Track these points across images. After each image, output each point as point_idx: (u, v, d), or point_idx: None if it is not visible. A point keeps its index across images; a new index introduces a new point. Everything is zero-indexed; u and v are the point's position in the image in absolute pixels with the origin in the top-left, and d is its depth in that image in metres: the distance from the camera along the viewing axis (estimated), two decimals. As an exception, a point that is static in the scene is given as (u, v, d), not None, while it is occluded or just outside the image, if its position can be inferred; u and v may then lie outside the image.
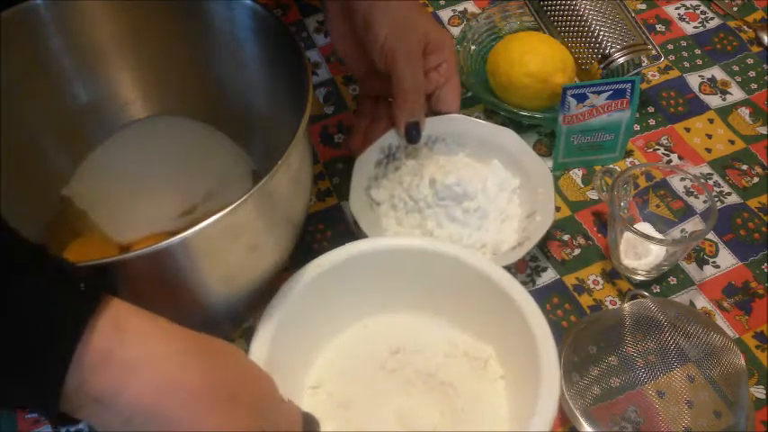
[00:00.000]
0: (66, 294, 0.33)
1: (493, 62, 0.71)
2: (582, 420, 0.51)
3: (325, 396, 0.52)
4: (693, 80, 0.76)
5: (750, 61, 0.78)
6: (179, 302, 0.47)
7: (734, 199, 0.66)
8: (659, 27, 0.81)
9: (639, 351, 0.54)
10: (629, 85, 0.63)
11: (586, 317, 0.58)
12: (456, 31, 0.81)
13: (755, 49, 0.79)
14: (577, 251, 0.63)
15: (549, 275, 0.61)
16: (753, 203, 0.66)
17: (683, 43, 0.80)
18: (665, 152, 0.70)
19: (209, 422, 0.35)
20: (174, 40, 0.59)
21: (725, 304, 0.59)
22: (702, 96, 0.75)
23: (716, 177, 0.68)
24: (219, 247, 0.44)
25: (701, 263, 0.62)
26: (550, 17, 0.73)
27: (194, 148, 0.62)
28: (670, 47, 0.79)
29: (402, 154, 0.64)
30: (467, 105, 0.74)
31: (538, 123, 0.70)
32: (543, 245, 0.62)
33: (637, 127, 0.71)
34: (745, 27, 0.81)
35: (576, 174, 0.68)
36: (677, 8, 0.83)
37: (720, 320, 0.59)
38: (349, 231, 0.64)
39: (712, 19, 0.82)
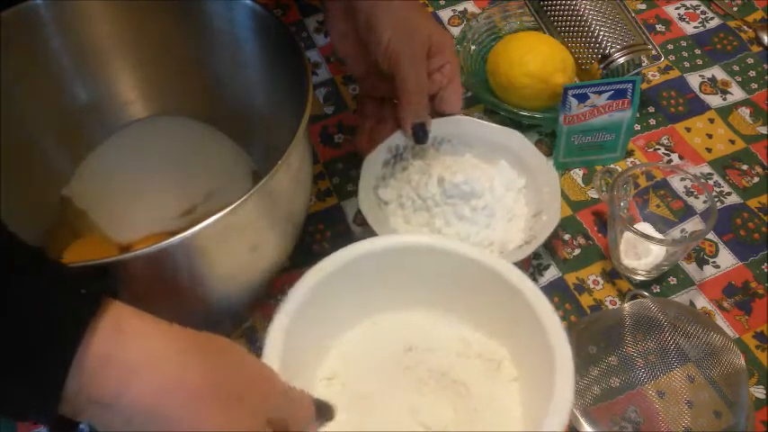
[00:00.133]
0: (67, 296, 0.33)
1: (493, 62, 0.71)
2: (582, 420, 0.51)
3: (339, 387, 0.52)
4: (694, 80, 0.76)
5: (750, 61, 0.78)
6: (179, 302, 0.47)
7: (734, 199, 0.66)
8: (659, 27, 0.81)
9: (639, 351, 0.54)
10: (630, 85, 0.63)
11: (586, 317, 0.58)
12: (456, 31, 0.81)
13: (755, 48, 0.79)
14: (578, 251, 0.63)
15: (551, 273, 0.61)
16: (753, 203, 0.66)
17: (684, 43, 0.80)
18: (666, 152, 0.70)
19: (210, 422, 0.35)
20: (173, 40, 0.59)
21: (725, 304, 0.59)
22: (703, 96, 0.75)
23: (716, 177, 0.68)
24: (219, 247, 0.44)
25: (701, 263, 0.62)
26: (550, 17, 0.73)
27: (194, 148, 0.62)
28: (670, 47, 0.79)
29: (409, 154, 0.65)
30: (467, 105, 0.74)
31: (538, 123, 0.70)
32: (548, 243, 0.62)
33: (637, 127, 0.71)
34: (745, 27, 0.81)
35: (577, 173, 0.68)
36: (677, 8, 0.83)
37: (720, 320, 0.59)
38: (349, 231, 0.64)
39: (712, 19, 0.82)
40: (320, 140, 0.70)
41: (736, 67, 0.77)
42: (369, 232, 0.61)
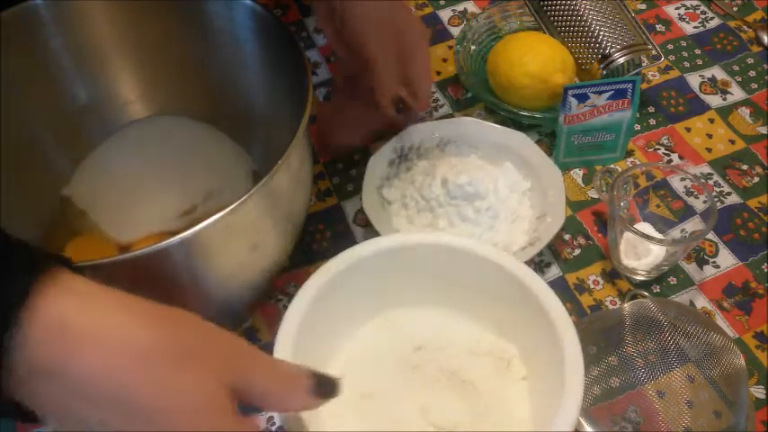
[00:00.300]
0: (10, 260, 0.32)
1: (493, 62, 0.71)
2: (582, 420, 0.51)
3: (349, 386, 0.52)
4: (694, 80, 0.76)
5: (750, 61, 0.78)
6: (179, 302, 0.47)
7: (734, 199, 0.66)
8: (659, 27, 0.81)
9: (639, 351, 0.54)
10: (630, 85, 0.63)
11: (586, 317, 0.58)
12: (456, 31, 0.81)
13: (755, 48, 0.79)
14: (578, 251, 0.63)
15: (551, 273, 0.61)
16: (753, 203, 0.66)
17: (683, 43, 0.80)
18: (666, 152, 0.70)
19: (160, 380, 0.33)
20: (173, 40, 0.59)
21: (725, 304, 0.59)
22: (703, 96, 0.75)
23: (716, 177, 0.68)
24: (219, 247, 0.44)
25: (701, 263, 0.62)
26: (550, 17, 0.73)
27: (194, 148, 0.62)
28: (670, 47, 0.79)
29: (414, 155, 0.65)
30: (467, 105, 0.74)
31: (538, 123, 0.70)
32: (551, 244, 0.62)
33: (637, 127, 0.71)
34: (745, 27, 0.81)
35: (577, 173, 0.68)
36: (677, 8, 0.83)
37: (720, 320, 0.59)
38: (349, 231, 0.64)
39: (712, 19, 0.82)
40: (320, 140, 0.70)
41: (736, 67, 0.77)
42: (370, 232, 0.61)
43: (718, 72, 0.77)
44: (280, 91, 0.55)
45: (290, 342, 0.47)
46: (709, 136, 0.71)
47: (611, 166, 0.68)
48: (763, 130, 0.72)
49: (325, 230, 0.64)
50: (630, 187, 0.61)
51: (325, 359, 0.52)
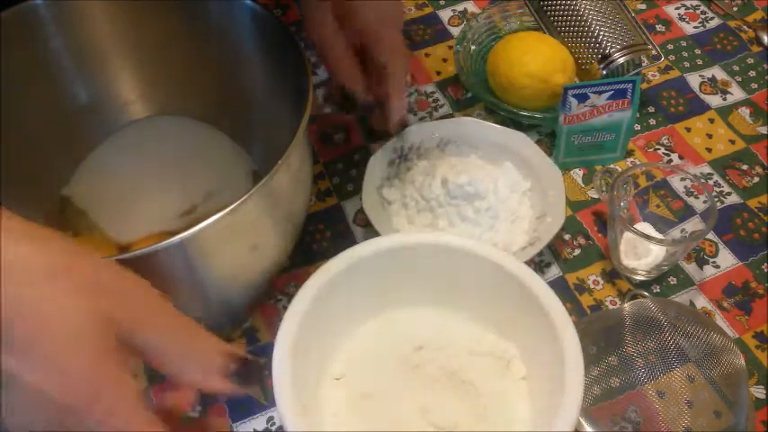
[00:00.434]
0: None
1: (493, 62, 0.71)
2: (582, 420, 0.51)
3: (349, 386, 0.52)
4: (694, 80, 0.76)
5: (750, 61, 0.78)
6: (179, 302, 0.47)
7: (734, 199, 0.66)
8: (659, 27, 0.81)
9: (639, 351, 0.54)
10: (630, 86, 0.63)
11: (586, 317, 0.58)
12: (456, 31, 0.81)
13: (755, 48, 0.79)
14: (578, 251, 0.63)
15: (551, 273, 0.61)
16: (753, 203, 0.66)
17: (683, 43, 0.80)
18: (666, 152, 0.70)
19: (21, 297, 0.29)
20: (173, 40, 0.59)
21: (725, 304, 0.59)
22: (703, 96, 0.75)
23: (716, 177, 0.68)
24: (219, 247, 0.44)
25: (701, 263, 0.62)
26: (550, 17, 0.73)
27: (194, 148, 0.62)
28: (670, 47, 0.79)
29: (414, 155, 0.65)
30: (467, 105, 0.74)
31: (538, 123, 0.70)
32: (551, 244, 0.62)
33: (637, 127, 0.71)
34: (745, 27, 0.81)
35: (577, 173, 0.68)
36: (677, 8, 0.83)
37: (720, 320, 0.59)
38: (349, 231, 0.64)
39: (712, 19, 0.82)
40: (320, 140, 0.70)
41: (736, 67, 0.77)
42: (370, 232, 0.61)
43: (718, 72, 0.77)
44: (280, 91, 0.55)
45: (289, 342, 0.47)
46: (710, 136, 0.71)
47: (611, 166, 0.68)
48: (763, 130, 0.72)
49: (325, 230, 0.64)
50: (630, 187, 0.61)
51: (325, 359, 0.52)
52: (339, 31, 0.56)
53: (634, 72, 0.71)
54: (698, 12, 0.83)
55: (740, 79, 0.76)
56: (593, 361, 0.54)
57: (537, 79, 0.67)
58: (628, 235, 0.57)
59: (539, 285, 0.50)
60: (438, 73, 0.77)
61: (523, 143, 0.65)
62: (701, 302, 0.60)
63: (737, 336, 0.58)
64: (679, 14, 0.83)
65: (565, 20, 0.72)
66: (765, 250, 0.63)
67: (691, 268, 0.62)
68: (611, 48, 0.69)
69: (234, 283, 0.49)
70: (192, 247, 0.42)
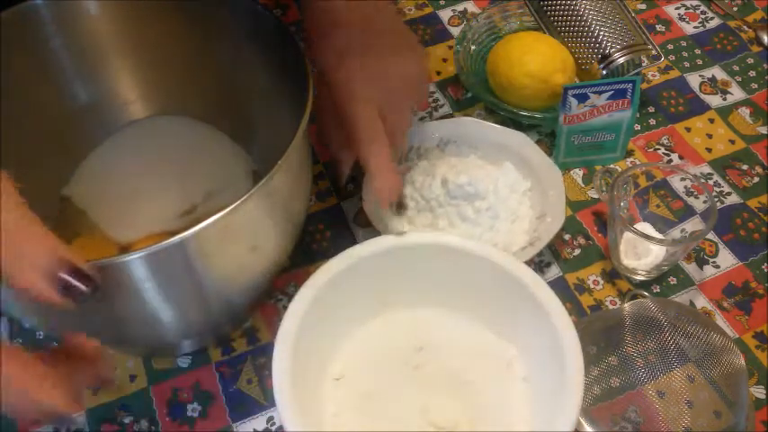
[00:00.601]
0: None
1: (493, 62, 0.71)
2: (582, 420, 0.51)
3: (349, 386, 0.52)
4: (694, 80, 0.76)
5: (750, 61, 0.78)
6: (178, 302, 0.47)
7: (734, 199, 0.66)
8: (659, 27, 0.81)
9: (639, 351, 0.54)
10: (630, 86, 0.63)
11: (586, 317, 0.58)
12: (456, 31, 0.81)
13: (755, 48, 0.79)
14: (578, 251, 0.63)
15: (552, 273, 0.61)
16: (753, 203, 0.66)
17: (683, 43, 0.80)
18: (666, 152, 0.70)
19: None
20: (173, 39, 0.59)
21: (725, 304, 0.59)
22: (703, 96, 0.75)
23: (716, 177, 0.68)
24: (219, 247, 0.44)
25: (701, 263, 0.62)
26: (550, 17, 0.73)
27: (194, 148, 0.62)
28: (670, 47, 0.79)
29: (414, 155, 0.65)
30: (467, 105, 0.74)
31: (538, 123, 0.70)
32: (551, 243, 0.62)
33: (637, 127, 0.71)
34: (745, 27, 0.81)
35: (577, 173, 0.68)
36: (677, 8, 0.83)
37: (720, 320, 0.59)
38: (349, 231, 0.64)
39: (712, 19, 0.82)
40: (320, 140, 0.70)
41: (736, 67, 0.77)
42: (370, 232, 0.61)
43: (718, 72, 0.77)
44: (280, 91, 0.55)
45: (290, 342, 0.47)
46: (710, 136, 0.71)
47: (611, 166, 0.68)
48: (763, 130, 0.72)
49: (325, 230, 0.64)
50: (630, 187, 0.61)
51: (325, 359, 0.52)
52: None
53: (634, 72, 0.71)
54: (698, 12, 0.83)
55: (740, 79, 0.76)
56: (593, 361, 0.54)
57: (537, 79, 0.67)
58: (628, 235, 0.57)
59: (539, 285, 0.50)
60: (438, 73, 0.77)
61: (523, 143, 0.65)
62: (701, 302, 0.60)
63: (737, 336, 0.58)
64: (679, 14, 0.83)
65: (565, 20, 0.72)
66: (765, 250, 0.63)
67: (691, 268, 0.62)
68: (611, 48, 0.69)
69: (234, 283, 0.49)
70: (191, 247, 0.42)
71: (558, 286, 0.60)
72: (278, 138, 0.49)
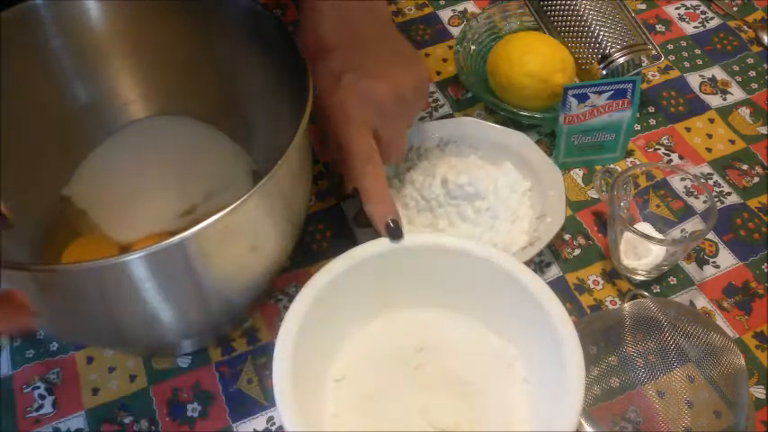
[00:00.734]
0: None
1: (493, 62, 0.71)
2: (582, 420, 0.51)
3: (349, 387, 0.52)
4: (694, 80, 0.76)
5: (750, 61, 0.78)
6: (178, 302, 0.47)
7: (734, 199, 0.66)
8: (659, 27, 0.81)
9: (639, 351, 0.54)
10: (630, 86, 0.63)
11: (586, 317, 0.58)
12: (456, 31, 0.81)
13: (755, 48, 0.79)
14: (578, 251, 0.63)
15: (552, 273, 0.61)
16: (753, 203, 0.66)
17: (683, 43, 0.80)
18: (666, 152, 0.70)
19: None
20: (173, 39, 0.59)
21: (725, 304, 0.59)
22: (703, 96, 0.75)
23: (716, 177, 0.68)
24: (219, 247, 0.44)
25: (701, 263, 0.62)
26: (550, 17, 0.73)
27: (194, 148, 0.62)
28: (670, 47, 0.79)
29: (414, 155, 0.65)
30: (467, 105, 0.74)
31: (538, 123, 0.70)
32: (551, 243, 0.62)
33: (637, 127, 0.71)
34: (745, 27, 0.81)
35: (577, 173, 0.68)
36: (677, 8, 0.83)
37: (720, 320, 0.59)
38: (349, 231, 0.64)
39: (712, 19, 0.82)
40: (320, 140, 0.70)
41: (736, 67, 0.77)
42: (370, 232, 0.61)
43: (718, 72, 0.77)
44: (280, 91, 0.55)
45: (290, 342, 0.47)
46: (710, 136, 0.71)
47: (611, 166, 0.68)
48: (763, 130, 0.72)
49: (325, 230, 0.64)
50: (630, 187, 0.61)
51: (325, 359, 0.52)
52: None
53: (634, 72, 0.71)
54: (698, 12, 0.83)
55: (740, 79, 0.76)
56: (593, 361, 0.54)
57: (537, 79, 0.67)
58: (628, 235, 0.57)
59: (539, 286, 0.50)
60: (438, 73, 0.77)
61: (523, 143, 0.65)
62: (701, 302, 0.60)
63: (737, 336, 0.58)
64: (679, 14, 0.83)
65: (565, 20, 0.72)
66: (765, 250, 0.63)
67: (691, 268, 0.62)
68: (611, 48, 0.69)
69: (234, 283, 0.49)
70: (192, 247, 0.42)
71: (558, 286, 0.60)
72: (278, 138, 0.49)
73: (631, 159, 0.69)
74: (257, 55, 0.57)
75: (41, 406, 0.54)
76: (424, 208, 0.61)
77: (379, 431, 0.49)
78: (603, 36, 0.69)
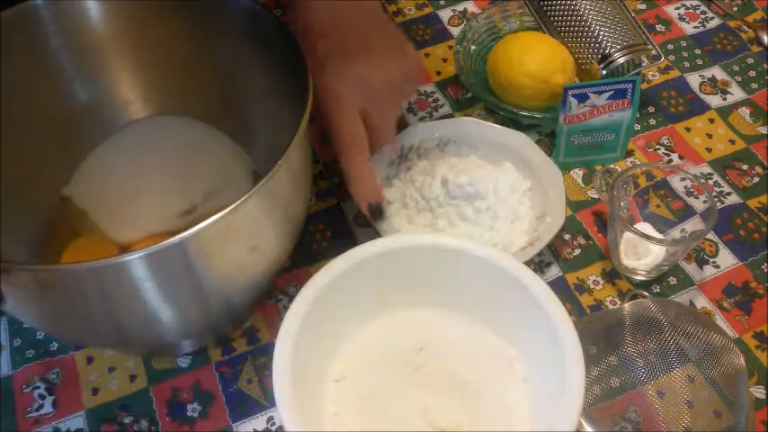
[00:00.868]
0: None
1: (493, 62, 0.71)
2: (582, 420, 0.51)
3: (349, 387, 0.52)
4: (694, 80, 0.76)
5: (750, 61, 0.78)
6: (178, 302, 0.47)
7: (734, 199, 0.66)
8: (659, 27, 0.81)
9: (639, 351, 0.54)
10: (630, 86, 0.63)
11: (586, 317, 0.58)
12: (456, 31, 0.81)
13: (755, 48, 0.79)
14: (578, 251, 0.63)
15: (552, 273, 0.61)
16: (753, 203, 0.66)
17: (683, 43, 0.80)
18: (666, 152, 0.70)
19: None
20: (173, 39, 0.59)
21: (725, 304, 0.59)
22: (703, 96, 0.75)
23: (716, 177, 0.68)
24: (219, 247, 0.44)
25: (701, 263, 0.62)
26: (550, 17, 0.73)
27: (194, 148, 0.62)
28: (670, 47, 0.79)
29: (414, 155, 0.65)
30: (467, 105, 0.74)
31: (538, 123, 0.70)
32: (551, 243, 0.62)
33: (637, 127, 0.71)
34: (745, 27, 0.81)
35: (577, 173, 0.68)
36: (677, 8, 0.83)
37: (720, 320, 0.59)
38: (349, 231, 0.64)
39: (712, 19, 0.82)
40: (320, 140, 0.70)
41: (736, 67, 0.77)
42: (370, 232, 0.61)
43: (718, 72, 0.77)
44: (280, 91, 0.55)
45: (290, 342, 0.47)
46: (710, 136, 0.71)
47: (611, 166, 0.68)
48: (763, 130, 0.72)
49: (325, 230, 0.64)
50: (630, 187, 0.61)
51: (325, 359, 0.52)
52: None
53: (634, 72, 0.71)
54: (698, 12, 0.83)
55: (740, 79, 0.76)
56: (593, 361, 0.54)
57: (537, 79, 0.67)
58: (628, 235, 0.57)
59: (539, 286, 0.50)
60: (438, 73, 0.77)
61: (523, 143, 0.65)
62: (701, 302, 0.60)
63: (737, 336, 0.58)
64: (679, 14, 0.83)
65: (565, 20, 0.72)
66: (765, 250, 0.63)
67: (691, 268, 0.62)
68: (611, 48, 0.69)
69: (234, 283, 0.49)
70: (192, 247, 0.42)
71: (558, 286, 0.60)
72: (278, 138, 0.49)
73: (631, 159, 0.69)
74: (257, 55, 0.57)
75: (41, 406, 0.54)
76: (424, 208, 0.61)
77: (379, 431, 0.49)
78: (603, 36, 0.69)
